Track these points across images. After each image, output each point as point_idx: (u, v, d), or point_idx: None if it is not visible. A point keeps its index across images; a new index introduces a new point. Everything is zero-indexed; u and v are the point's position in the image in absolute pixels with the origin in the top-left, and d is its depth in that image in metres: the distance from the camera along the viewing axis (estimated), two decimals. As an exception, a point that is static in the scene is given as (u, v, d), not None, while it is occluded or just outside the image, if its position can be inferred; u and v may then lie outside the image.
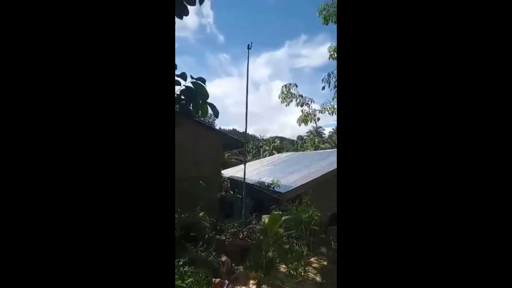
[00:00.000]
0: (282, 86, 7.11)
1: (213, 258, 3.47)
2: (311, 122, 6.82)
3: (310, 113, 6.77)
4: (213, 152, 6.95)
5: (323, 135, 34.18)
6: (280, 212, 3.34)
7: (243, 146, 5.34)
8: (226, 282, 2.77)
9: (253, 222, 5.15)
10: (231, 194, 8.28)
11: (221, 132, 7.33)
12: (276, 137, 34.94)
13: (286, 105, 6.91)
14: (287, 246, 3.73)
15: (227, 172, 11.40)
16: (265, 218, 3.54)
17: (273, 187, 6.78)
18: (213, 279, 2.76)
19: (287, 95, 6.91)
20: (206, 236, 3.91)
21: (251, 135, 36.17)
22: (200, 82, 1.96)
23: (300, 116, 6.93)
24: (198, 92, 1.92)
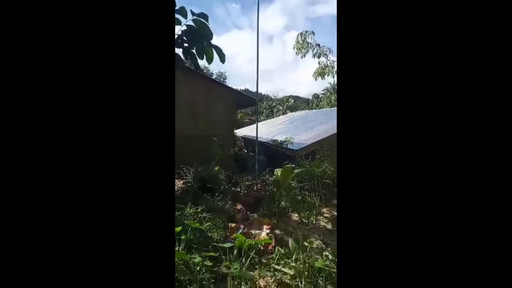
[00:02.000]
0: (298, 35, 6.42)
1: (229, 207, 3.71)
2: (328, 75, 6.31)
3: (328, 65, 6.22)
4: (226, 110, 6.84)
5: (340, 93, 32.12)
6: (293, 166, 3.36)
7: (256, 104, 5.16)
8: (242, 226, 2.98)
9: (266, 176, 5.32)
10: (245, 152, 8.48)
11: (233, 90, 7.04)
12: (290, 96, 33.75)
13: (302, 57, 6.36)
14: (299, 197, 3.87)
15: (240, 132, 11.48)
16: (278, 171, 3.59)
17: (286, 145, 6.77)
18: (230, 224, 2.97)
19: (303, 45, 6.29)
20: (222, 187, 4.12)
21: (263, 94, 35.15)
22: (202, 20, 1.72)
23: (316, 69, 6.41)
24: (200, 31, 1.70)
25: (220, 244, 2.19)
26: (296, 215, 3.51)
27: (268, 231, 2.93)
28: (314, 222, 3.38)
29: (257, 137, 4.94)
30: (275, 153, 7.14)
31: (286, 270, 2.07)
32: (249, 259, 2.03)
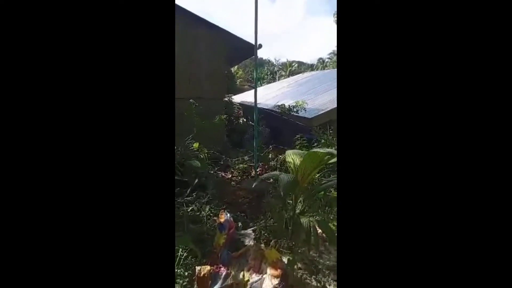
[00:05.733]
0: None
1: (209, 214, 2.18)
2: None
3: None
4: (216, 61, 4.89)
5: (348, 57, 29.38)
6: (321, 150, 1.65)
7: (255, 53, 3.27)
8: (222, 271, 1.46)
9: (270, 156, 3.72)
10: (244, 121, 6.69)
11: (225, 32, 4.88)
12: (294, 61, 31.08)
13: None
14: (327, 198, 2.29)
15: (239, 98, 9.61)
16: (293, 155, 1.96)
17: (297, 111, 5.04)
18: (196, 271, 1.44)
19: None
20: (198, 178, 2.54)
21: (265, 59, 32.21)
22: None
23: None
24: None
25: None
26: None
27: (276, 280, 1.43)
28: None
29: (255, 99, 3.21)
30: (282, 123, 5.44)
31: None
32: None
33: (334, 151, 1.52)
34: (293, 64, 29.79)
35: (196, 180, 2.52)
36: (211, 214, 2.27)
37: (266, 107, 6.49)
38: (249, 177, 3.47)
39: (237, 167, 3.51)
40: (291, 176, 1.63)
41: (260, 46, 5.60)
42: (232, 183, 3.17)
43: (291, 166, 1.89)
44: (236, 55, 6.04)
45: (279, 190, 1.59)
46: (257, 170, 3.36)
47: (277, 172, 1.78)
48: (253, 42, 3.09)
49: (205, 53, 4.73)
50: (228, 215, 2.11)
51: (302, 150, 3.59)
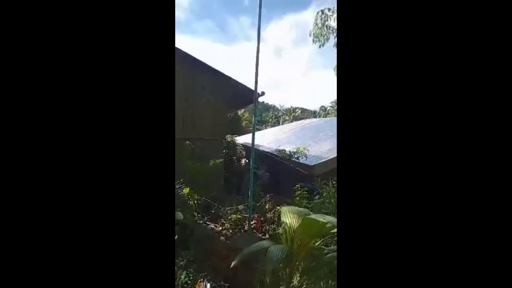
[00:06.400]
0: (317, 14, 4.61)
1: (182, 284, 1.77)
2: None
3: None
4: (218, 106, 4.96)
5: (350, 106, 30.81)
6: (323, 220, 1.35)
7: (260, 99, 3.29)
8: None
9: (267, 206, 3.38)
10: (245, 162, 6.46)
11: (229, 78, 5.09)
12: (297, 107, 32.68)
13: (320, 46, 4.57)
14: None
15: (241, 139, 9.64)
16: (288, 214, 1.66)
17: (298, 157, 4.85)
18: None
19: (321, 31, 4.49)
20: (186, 231, 2.20)
21: (270, 104, 34.02)
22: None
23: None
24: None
25: None
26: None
27: None
28: None
29: (253, 143, 3.05)
30: (282, 168, 5.21)
31: None
32: None
33: (334, 219, 1.23)
34: (297, 110, 31.24)
35: (176, 236, 2.17)
36: (189, 282, 1.86)
37: (268, 150, 6.35)
38: (242, 230, 3.07)
39: (229, 217, 3.14)
40: (283, 249, 1.31)
41: (263, 93, 5.79)
42: (222, 238, 2.77)
43: (286, 229, 1.58)
44: (242, 100, 6.23)
45: (267, 266, 1.25)
46: (252, 223, 2.98)
47: (265, 243, 1.45)
48: (260, 88, 3.11)
49: (208, 96, 4.85)
50: (208, 286, 1.71)
51: (302, 202, 3.25)
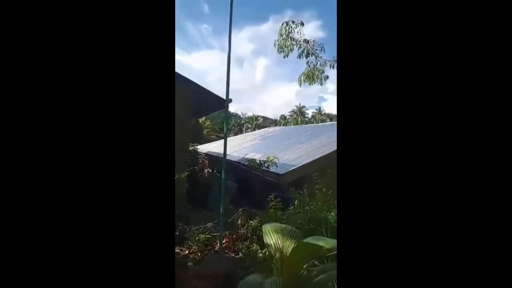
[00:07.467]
0: (282, 25, 4.68)
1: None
2: (316, 82, 4.70)
3: (316, 68, 4.62)
4: (181, 110, 4.49)
5: (306, 115, 33.20)
6: (320, 243, 1.18)
7: (225, 106, 3.02)
8: None
9: (239, 222, 3.10)
10: (209, 172, 6.00)
11: (193, 84, 4.64)
12: (259, 115, 33.48)
13: (285, 56, 4.64)
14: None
15: (204, 148, 9.11)
16: (271, 235, 1.45)
17: (268, 166, 4.73)
18: None
19: (286, 42, 4.57)
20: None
21: (232, 113, 34.01)
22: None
23: (305, 71, 4.72)
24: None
25: None
26: None
27: None
28: None
29: (225, 152, 2.78)
30: (251, 177, 5.00)
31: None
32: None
33: (334, 242, 1.07)
34: (259, 118, 32.01)
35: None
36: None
37: (233, 159, 6.08)
38: (212, 251, 2.71)
39: (197, 238, 2.75)
40: (277, 283, 1.08)
41: (231, 100, 5.57)
42: (189, 263, 2.38)
43: (273, 253, 1.36)
44: (205, 107, 5.86)
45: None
46: (223, 242, 2.66)
47: (258, 277, 1.20)
48: (221, 96, 2.86)
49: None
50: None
51: (277, 213, 3.08)
